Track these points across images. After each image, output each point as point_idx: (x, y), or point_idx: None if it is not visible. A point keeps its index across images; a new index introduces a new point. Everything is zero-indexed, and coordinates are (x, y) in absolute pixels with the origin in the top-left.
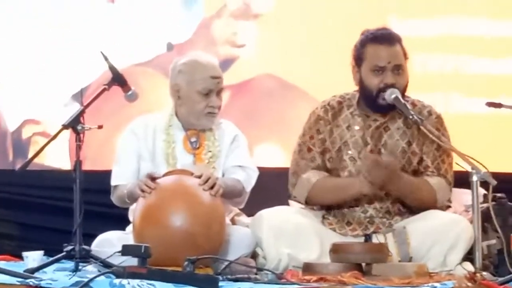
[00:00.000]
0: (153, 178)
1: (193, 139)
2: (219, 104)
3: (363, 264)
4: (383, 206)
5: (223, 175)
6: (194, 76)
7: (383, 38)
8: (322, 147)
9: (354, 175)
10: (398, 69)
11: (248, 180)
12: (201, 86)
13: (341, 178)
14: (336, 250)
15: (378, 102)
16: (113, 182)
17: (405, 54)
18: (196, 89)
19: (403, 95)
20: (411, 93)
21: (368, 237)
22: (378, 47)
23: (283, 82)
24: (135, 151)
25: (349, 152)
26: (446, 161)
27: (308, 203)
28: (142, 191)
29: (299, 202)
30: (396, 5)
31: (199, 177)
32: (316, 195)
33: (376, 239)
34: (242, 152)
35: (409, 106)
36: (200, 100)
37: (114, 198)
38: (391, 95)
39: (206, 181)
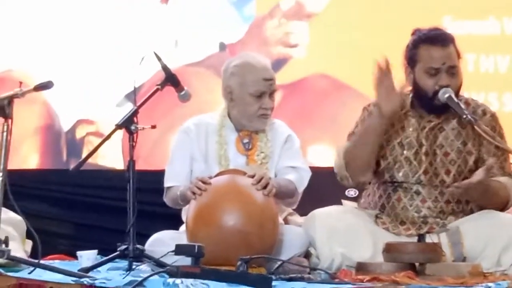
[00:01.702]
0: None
1: (245, 140)
2: (272, 106)
3: (417, 264)
4: (437, 205)
5: (275, 176)
6: (246, 78)
7: (437, 39)
8: None
9: (409, 176)
10: (453, 70)
11: (301, 181)
12: (254, 89)
13: None
14: (389, 249)
15: (433, 103)
16: (166, 184)
17: (458, 54)
18: (248, 91)
19: (457, 95)
20: (464, 93)
21: (421, 237)
22: (431, 48)
23: (336, 82)
24: (188, 152)
25: (404, 152)
26: (507, 159)
27: (350, 171)
28: (193, 193)
29: (345, 182)
30: (450, 6)
31: (252, 176)
32: (350, 154)
33: (430, 239)
34: (295, 153)
35: (462, 106)
36: (253, 102)
37: (167, 199)
38: (444, 94)
39: (259, 181)
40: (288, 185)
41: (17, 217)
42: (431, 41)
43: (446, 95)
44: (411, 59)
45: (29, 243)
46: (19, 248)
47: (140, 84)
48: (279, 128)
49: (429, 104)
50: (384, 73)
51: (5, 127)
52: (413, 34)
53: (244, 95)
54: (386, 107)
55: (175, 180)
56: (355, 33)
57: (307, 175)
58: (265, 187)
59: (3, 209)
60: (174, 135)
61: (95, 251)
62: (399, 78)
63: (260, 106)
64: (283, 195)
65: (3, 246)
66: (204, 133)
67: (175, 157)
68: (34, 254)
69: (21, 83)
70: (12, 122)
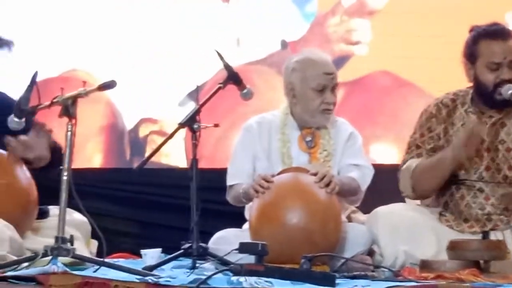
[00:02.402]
0: (266, 180)
1: (308, 138)
2: (334, 101)
3: (481, 262)
4: (501, 203)
5: (338, 174)
6: (307, 73)
7: (497, 33)
8: (433, 144)
9: (471, 173)
10: None
11: (364, 179)
12: (315, 83)
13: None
14: (453, 247)
15: (494, 97)
16: (228, 182)
17: None
18: (310, 86)
19: None
20: None
21: (485, 234)
22: (492, 43)
23: (398, 79)
24: (251, 150)
25: None
26: None
27: (416, 193)
28: (256, 191)
29: (409, 197)
30: None
31: (315, 174)
32: (418, 179)
33: (494, 236)
34: (357, 151)
35: None
36: (315, 97)
37: (230, 198)
38: (508, 90)
39: (322, 179)
40: (351, 182)
41: (81, 218)
42: (491, 35)
43: (510, 91)
44: (471, 55)
45: (94, 244)
46: (83, 248)
47: (202, 83)
48: (341, 126)
49: (490, 99)
50: (475, 136)
51: (70, 126)
52: (471, 30)
53: (306, 90)
54: (463, 156)
55: (238, 178)
56: (417, 29)
57: (370, 172)
58: (328, 185)
59: (67, 209)
60: (237, 134)
61: (159, 250)
62: (460, 73)
63: (322, 100)
64: (346, 192)
65: (68, 245)
66: (267, 131)
67: (237, 155)
68: (99, 254)
69: (85, 82)
70: (76, 121)
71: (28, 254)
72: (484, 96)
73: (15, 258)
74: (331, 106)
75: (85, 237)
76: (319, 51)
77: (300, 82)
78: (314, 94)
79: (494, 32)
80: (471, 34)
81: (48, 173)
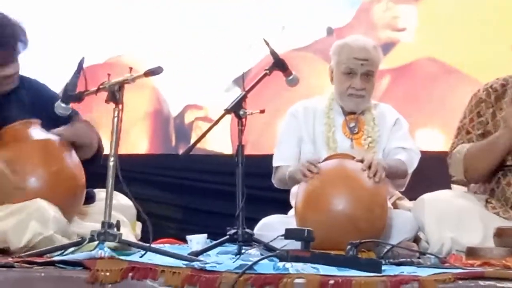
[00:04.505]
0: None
1: (351, 124)
2: (363, 87)
3: None
4: None
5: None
6: (341, 57)
7: None
8: (482, 129)
9: None
10: None
11: (410, 161)
12: (344, 66)
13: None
14: (500, 234)
15: None
16: (275, 163)
17: None
18: (340, 69)
19: None
20: None
21: None
22: None
23: (444, 65)
24: (296, 133)
25: None
26: None
27: (468, 177)
28: (304, 175)
29: (460, 183)
30: None
31: (361, 161)
32: (470, 163)
33: None
34: (404, 135)
35: None
36: (344, 80)
37: (275, 180)
38: None
39: (369, 167)
40: (398, 165)
41: (127, 202)
42: None
43: None
44: None
45: (139, 226)
46: (129, 233)
47: (248, 69)
48: (387, 112)
49: None
50: None
51: (116, 112)
52: None
53: (339, 74)
54: None
55: (284, 160)
56: (463, 16)
57: (417, 156)
58: (375, 174)
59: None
60: (282, 120)
61: (205, 235)
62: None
63: (350, 85)
64: (394, 175)
65: (115, 230)
66: (312, 116)
67: (283, 138)
68: (144, 235)
69: (131, 68)
70: (123, 107)
71: (75, 238)
72: None
73: (61, 237)
74: (358, 92)
75: (130, 220)
76: (361, 37)
77: (336, 66)
78: (344, 77)
79: None
80: None
81: (91, 165)
